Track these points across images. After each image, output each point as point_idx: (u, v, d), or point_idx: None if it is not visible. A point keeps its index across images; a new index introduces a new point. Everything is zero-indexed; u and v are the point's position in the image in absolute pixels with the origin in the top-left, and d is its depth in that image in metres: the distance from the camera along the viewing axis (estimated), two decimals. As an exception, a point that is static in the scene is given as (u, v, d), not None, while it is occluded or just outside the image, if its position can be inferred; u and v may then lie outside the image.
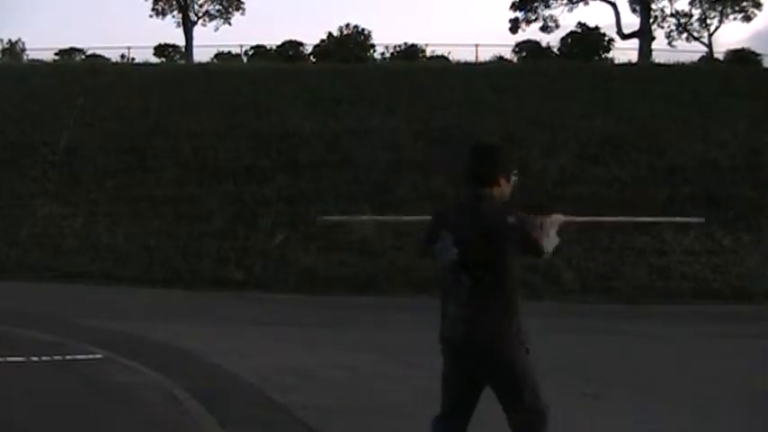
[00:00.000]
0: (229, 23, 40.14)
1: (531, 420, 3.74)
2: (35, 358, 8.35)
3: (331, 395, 7.03)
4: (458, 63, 31.42)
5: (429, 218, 4.00)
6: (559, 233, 3.92)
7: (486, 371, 3.71)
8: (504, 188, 3.80)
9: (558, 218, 3.96)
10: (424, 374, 7.81)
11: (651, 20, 35.70)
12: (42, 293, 15.23)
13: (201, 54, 36.43)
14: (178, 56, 36.62)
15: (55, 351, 8.69)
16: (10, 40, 38.61)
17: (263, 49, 34.66)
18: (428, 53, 33.37)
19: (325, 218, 4.05)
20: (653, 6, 36.19)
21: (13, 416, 6.05)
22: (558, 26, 37.31)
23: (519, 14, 37.71)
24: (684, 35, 38.12)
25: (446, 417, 3.89)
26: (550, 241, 3.80)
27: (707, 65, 32.47)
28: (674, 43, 38.09)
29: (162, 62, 34.63)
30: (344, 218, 4.49)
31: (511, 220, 3.63)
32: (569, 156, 20.83)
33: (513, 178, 3.87)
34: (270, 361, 8.55)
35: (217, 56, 34.76)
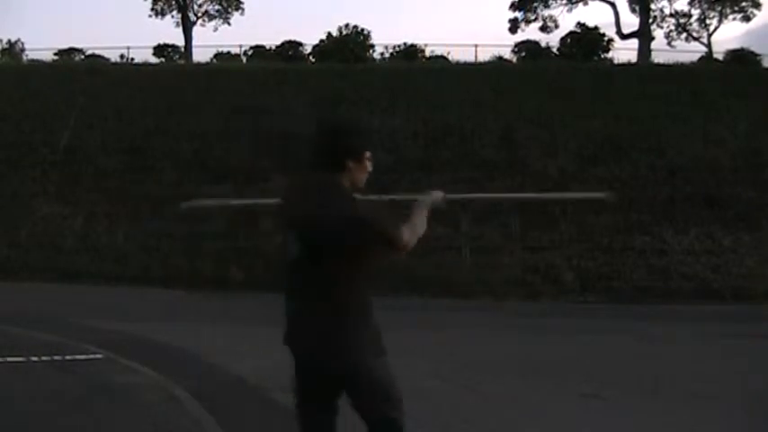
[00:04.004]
0: (229, 23, 40.16)
1: None
2: (35, 358, 8.35)
3: (331, 395, 7.01)
4: (457, 63, 31.42)
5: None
6: (437, 209, 3.49)
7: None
8: (356, 173, 3.27)
9: (437, 196, 3.49)
10: (422, 374, 7.82)
11: (650, 20, 35.69)
12: (42, 293, 15.23)
13: (201, 54, 36.49)
14: (177, 56, 36.60)
15: (55, 351, 8.69)
16: (9, 40, 38.59)
17: (262, 49, 34.64)
18: (427, 53, 33.35)
19: (187, 204, 3.63)
20: (652, 6, 36.20)
21: (13, 416, 6.04)
22: (557, 26, 37.35)
23: (518, 14, 37.74)
24: (684, 35, 38.16)
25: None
26: (414, 230, 3.25)
27: (706, 65, 32.46)
28: (673, 43, 38.15)
29: (161, 62, 34.62)
30: (207, 203, 4.16)
31: (360, 211, 3.16)
32: (569, 156, 20.83)
33: (368, 162, 3.32)
34: (270, 361, 8.51)
35: (216, 56, 34.75)
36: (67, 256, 18.25)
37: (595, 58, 32.45)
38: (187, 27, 38.33)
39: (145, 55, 35.08)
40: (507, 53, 33.72)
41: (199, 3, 39.45)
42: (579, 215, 18.09)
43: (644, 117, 22.09)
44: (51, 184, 21.27)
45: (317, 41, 33.38)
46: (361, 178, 3.31)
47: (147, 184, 20.83)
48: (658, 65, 31.73)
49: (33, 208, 20.15)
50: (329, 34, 33.36)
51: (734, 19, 38.04)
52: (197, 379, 7.51)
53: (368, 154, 3.31)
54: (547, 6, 37.35)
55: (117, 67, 31.47)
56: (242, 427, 6.01)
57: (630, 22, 36.36)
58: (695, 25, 38.30)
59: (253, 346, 9.49)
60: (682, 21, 38.19)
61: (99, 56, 34.89)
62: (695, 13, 38.13)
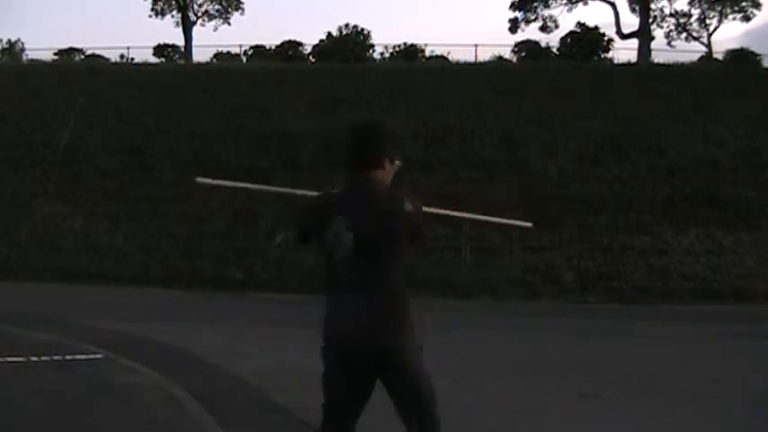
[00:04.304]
0: (228, 23, 40.17)
1: None
2: (35, 358, 8.35)
3: (331, 395, 7.01)
4: (457, 63, 31.42)
5: (312, 195, 3.59)
6: None
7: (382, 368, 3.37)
8: (389, 172, 3.49)
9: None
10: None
11: (650, 20, 35.69)
12: (42, 293, 15.23)
13: (201, 54, 36.50)
14: (177, 56, 36.61)
15: (55, 351, 8.68)
16: (9, 40, 38.60)
17: (262, 48, 34.66)
18: (427, 53, 33.37)
19: (201, 180, 3.71)
20: (652, 6, 36.20)
21: (13, 416, 6.04)
22: (557, 26, 37.34)
23: (518, 14, 37.73)
24: (684, 35, 38.16)
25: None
26: None
27: (706, 65, 32.47)
28: (673, 43, 38.15)
29: (161, 62, 34.63)
30: (221, 182, 4.16)
31: (407, 207, 3.36)
32: (569, 156, 20.83)
33: (397, 162, 3.53)
34: (270, 361, 8.54)
35: (216, 56, 34.76)
36: (67, 256, 18.25)
37: (595, 58, 32.46)
38: (187, 27, 38.34)
39: (145, 55, 35.15)
40: (507, 53, 33.79)
41: (199, 3, 39.49)
42: (579, 215, 18.10)
43: (644, 117, 22.09)
44: (51, 184, 21.28)
45: (316, 41, 33.45)
46: (388, 178, 3.50)
47: (147, 184, 20.84)
48: (658, 65, 31.74)
49: (33, 208, 20.15)
50: (329, 34, 33.39)
51: (734, 19, 38.08)
52: (197, 379, 7.51)
53: (398, 156, 3.55)
54: (547, 6, 37.36)
55: (117, 67, 31.49)
56: (242, 428, 6.01)
57: (630, 21, 36.42)
58: (695, 25, 38.34)
59: (253, 346, 9.50)
60: (682, 20, 38.21)
61: (99, 56, 34.91)
62: (695, 12, 38.18)
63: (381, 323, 3.29)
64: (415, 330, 3.35)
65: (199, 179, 3.48)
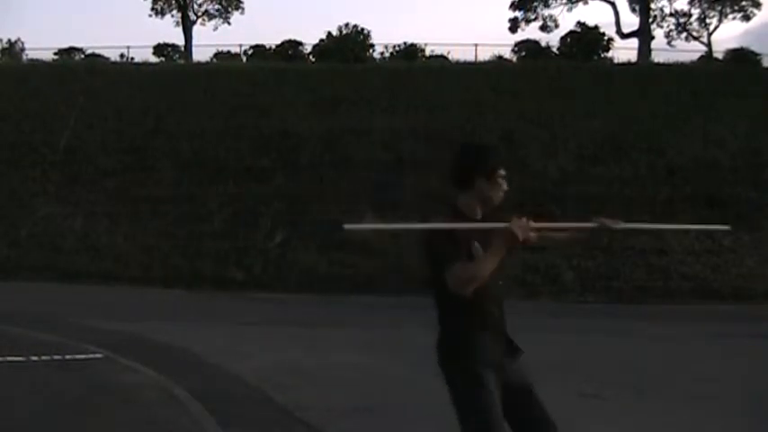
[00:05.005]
0: (228, 23, 40.21)
1: None
2: (35, 358, 8.36)
3: (331, 395, 7.03)
4: (457, 63, 31.42)
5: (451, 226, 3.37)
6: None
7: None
8: (488, 191, 3.33)
9: (514, 228, 3.15)
10: (423, 374, 7.82)
11: (650, 19, 35.72)
12: (42, 293, 15.23)
13: (201, 53, 36.56)
14: (177, 55, 36.61)
15: (55, 351, 8.69)
16: (9, 40, 38.57)
17: (262, 48, 34.66)
18: (427, 53, 33.37)
19: (349, 226, 3.46)
20: (652, 6, 36.23)
21: (13, 416, 6.05)
22: (557, 26, 37.38)
23: (518, 14, 37.78)
24: (684, 35, 38.17)
25: None
26: (473, 268, 3.16)
27: (706, 64, 32.47)
28: (673, 43, 38.16)
29: (161, 62, 34.62)
30: (371, 226, 3.95)
31: (428, 237, 3.30)
32: (569, 156, 20.83)
33: (501, 180, 3.37)
34: (270, 361, 8.55)
35: (216, 55, 34.77)
36: (67, 256, 18.25)
37: (595, 57, 32.46)
38: (187, 26, 38.35)
39: (145, 55, 35.15)
40: (507, 53, 33.80)
41: (199, 2, 39.53)
42: (579, 215, 18.08)
43: (644, 117, 22.09)
44: (51, 184, 21.27)
45: (317, 41, 33.46)
46: (496, 196, 3.36)
47: (147, 184, 20.84)
48: (658, 64, 31.73)
49: (33, 208, 20.15)
50: (329, 34, 33.39)
51: (734, 18, 38.09)
52: (197, 379, 7.52)
53: (501, 172, 3.36)
54: (547, 6, 37.39)
55: (117, 67, 31.47)
56: (242, 427, 6.01)
57: (630, 21, 36.44)
58: (695, 25, 38.35)
59: (253, 346, 9.50)
60: (682, 20, 38.22)
61: (99, 55, 34.89)
62: (695, 12, 38.19)
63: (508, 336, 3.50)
64: None
65: (347, 226, 3.40)
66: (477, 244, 3.22)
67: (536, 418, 3.44)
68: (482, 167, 3.34)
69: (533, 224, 3.23)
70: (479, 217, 3.34)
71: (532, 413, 3.43)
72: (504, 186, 3.39)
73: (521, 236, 3.13)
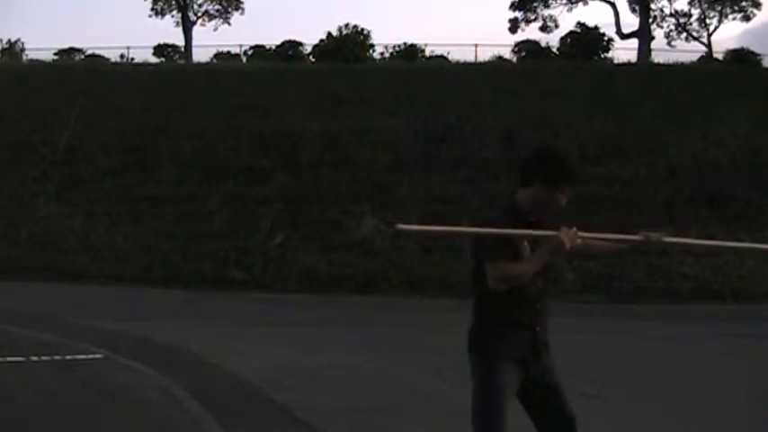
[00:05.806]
0: (228, 23, 40.17)
1: None
2: (35, 358, 8.35)
3: (331, 395, 7.03)
4: (457, 63, 31.43)
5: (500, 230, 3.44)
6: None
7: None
8: (543, 196, 3.42)
9: (562, 238, 3.35)
10: (423, 374, 7.82)
11: (650, 20, 35.70)
12: (42, 293, 15.23)
13: (201, 54, 36.49)
14: (177, 56, 36.62)
15: (55, 351, 8.69)
16: (9, 40, 38.50)
17: (262, 48, 34.67)
18: (427, 53, 33.37)
19: (401, 227, 3.53)
20: (652, 6, 36.21)
21: (13, 416, 6.04)
22: (557, 26, 37.35)
23: (518, 14, 37.75)
24: (684, 35, 38.13)
25: None
26: (517, 268, 3.39)
27: (706, 65, 32.46)
28: (673, 43, 38.12)
29: (161, 62, 34.63)
30: (424, 228, 3.95)
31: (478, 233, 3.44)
32: (569, 156, 20.83)
33: (560, 194, 3.43)
34: (270, 361, 8.55)
35: (216, 56, 34.77)
36: (67, 256, 18.24)
37: (595, 57, 32.45)
38: (187, 27, 38.33)
39: (145, 55, 35.14)
40: (507, 53, 33.78)
41: (199, 2, 39.49)
42: (579, 215, 18.07)
43: (644, 117, 22.09)
44: (51, 184, 21.27)
45: (316, 41, 33.43)
46: (549, 205, 3.44)
47: (147, 184, 20.84)
48: (658, 65, 31.73)
49: (33, 208, 20.14)
50: (329, 34, 33.35)
51: (734, 19, 38.04)
52: (197, 379, 7.52)
53: (563, 186, 3.41)
54: (547, 6, 37.37)
55: (117, 67, 31.49)
56: (242, 427, 6.01)
57: (630, 21, 36.42)
58: (695, 25, 38.29)
59: (253, 346, 9.50)
60: (682, 20, 38.18)
61: (99, 56, 34.90)
62: (695, 12, 38.12)
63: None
64: None
65: (399, 226, 3.52)
66: (525, 243, 3.38)
67: (554, 408, 3.62)
68: (543, 172, 3.43)
69: (581, 234, 3.40)
70: (533, 218, 3.43)
71: (551, 405, 3.62)
72: (563, 201, 3.46)
73: (568, 245, 3.32)
